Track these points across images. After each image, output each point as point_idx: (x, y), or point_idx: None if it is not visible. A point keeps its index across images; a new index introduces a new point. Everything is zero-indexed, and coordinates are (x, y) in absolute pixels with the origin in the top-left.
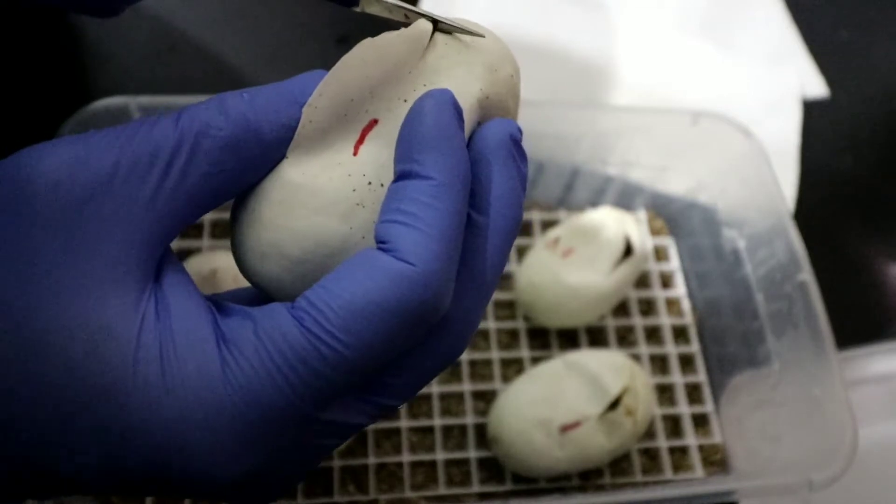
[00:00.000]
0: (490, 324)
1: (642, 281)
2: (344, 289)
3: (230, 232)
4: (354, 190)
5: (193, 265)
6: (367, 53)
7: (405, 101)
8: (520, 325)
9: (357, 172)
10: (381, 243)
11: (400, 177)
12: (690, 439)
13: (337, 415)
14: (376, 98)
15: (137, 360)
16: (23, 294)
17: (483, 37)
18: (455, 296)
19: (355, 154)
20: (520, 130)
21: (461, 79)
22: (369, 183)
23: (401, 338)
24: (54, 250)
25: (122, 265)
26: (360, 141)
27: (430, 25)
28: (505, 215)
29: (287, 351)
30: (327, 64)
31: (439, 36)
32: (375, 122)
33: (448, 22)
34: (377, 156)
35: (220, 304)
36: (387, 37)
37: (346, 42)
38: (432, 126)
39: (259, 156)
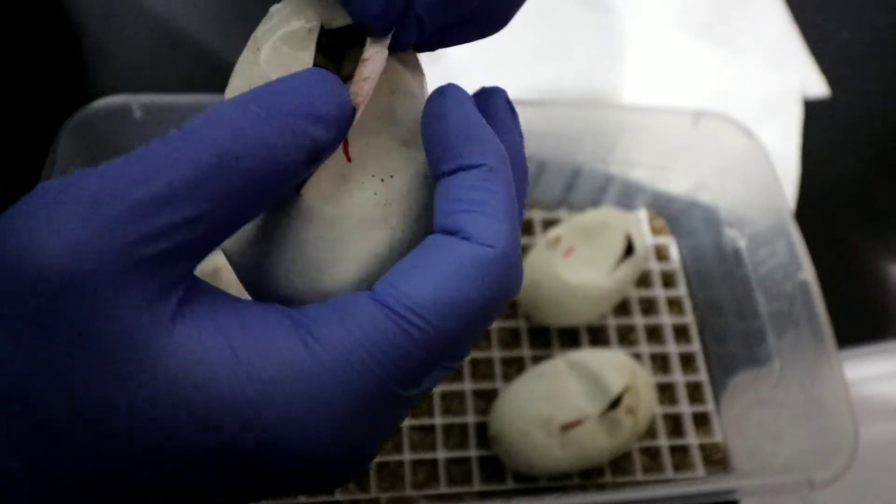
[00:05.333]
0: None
1: (643, 280)
2: (429, 274)
3: (256, 283)
4: (376, 193)
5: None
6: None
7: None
8: (521, 324)
9: (367, 176)
10: (452, 234)
11: (448, 174)
12: (691, 438)
13: (420, 389)
14: None
15: (217, 380)
16: (70, 374)
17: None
18: (491, 233)
19: (350, 160)
20: (506, 91)
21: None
22: (382, 180)
23: (486, 317)
24: (81, 326)
25: (152, 314)
26: (346, 146)
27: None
28: (518, 171)
29: (378, 337)
30: None
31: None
32: None
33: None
34: (371, 151)
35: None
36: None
37: None
38: (463, 120)
39: (278, 178)
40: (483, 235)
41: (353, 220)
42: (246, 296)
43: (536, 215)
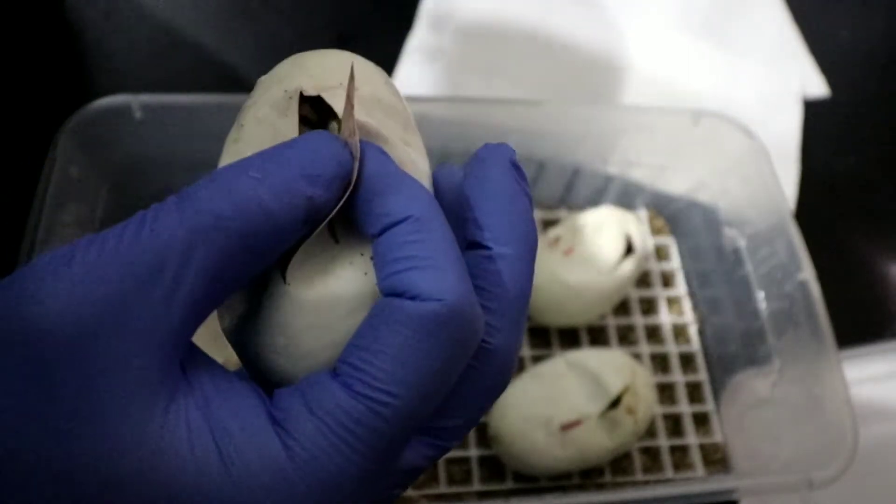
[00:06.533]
0: None
1: (643, 280)
2: (383, 345)
3: (253, 367)
4: (366, 273)
5: None
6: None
7: None
8: None
9: (355, 255)
10: (397, 295)
11: (379, 233)
12: (691, 438)
13: (403, 464)
14: None
15: (199, 469)
16: (58, 443)
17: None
18: (489, 328)
19: (338, 241)
20: (514, 151)
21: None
22: (371, 258)
23: (450, 373)
24: (74, 391)
25: (148, 383)
26: (332, 228)
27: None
28: (521, 240)
29: (346, 420)
30: None
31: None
32: None
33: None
34: (359, 231)
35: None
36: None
37: (345, 40)
38: (383, 177)
39: (273, 241)
40: (429, 290)
41: (344, 302)
42: None
43: (536, 215)
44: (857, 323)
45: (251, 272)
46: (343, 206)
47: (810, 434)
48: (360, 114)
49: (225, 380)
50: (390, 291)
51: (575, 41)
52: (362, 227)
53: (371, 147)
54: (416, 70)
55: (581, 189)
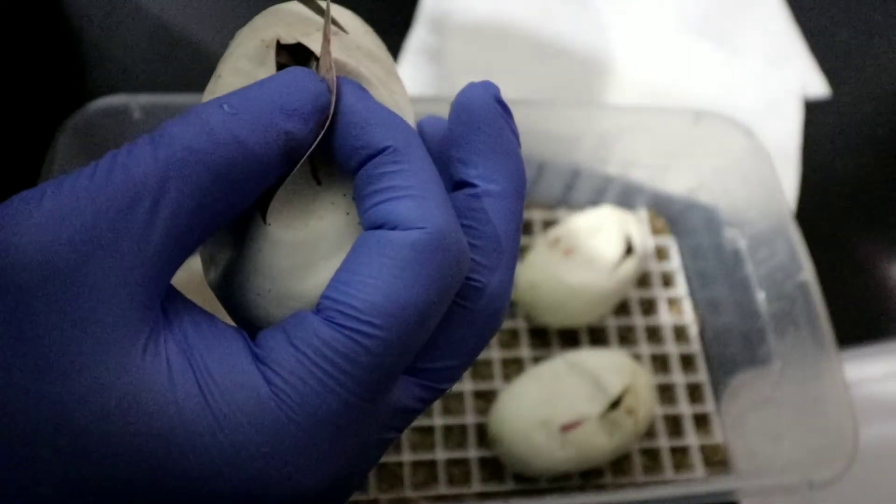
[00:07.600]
0: None
1: (643, 280)
2: (364, 276)
3: (236, 313)
4: (348, 213)
5: (192, 261)
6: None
7: None
8: (520, 324)
9: (338, 196)
10: (379, 227)
11: (358, 165)
12: (691, 439)
13: (393, 402)
14: None
15: (179, 405)
16: (38, 380)
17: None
18: (478, 267)
19: (320, 183)
20: (498, 88)
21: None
22: (354, 198)
23: (435, 304)
24: (53, 328)
25: (126, 320)
26: (315, 169)
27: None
28: (508, 176)
29: (329, 353)
30: None
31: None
32: None
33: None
34: (341, 171)
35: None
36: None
37: None
38: (360, 109)
39: (251, 177)
40: (410, 219)
41: (326, 242)
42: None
43: (536, 215)
44: (857, 323)
45: (230, 210)
46: (323, 145)
47: (810, 434)
48: (339, 54)
49: (206, 320)
50: (371, 224)
51: (574, 41)
52: (342, 164)
53: (348, 82)
54: (415, 70)
55: (581, 189)
